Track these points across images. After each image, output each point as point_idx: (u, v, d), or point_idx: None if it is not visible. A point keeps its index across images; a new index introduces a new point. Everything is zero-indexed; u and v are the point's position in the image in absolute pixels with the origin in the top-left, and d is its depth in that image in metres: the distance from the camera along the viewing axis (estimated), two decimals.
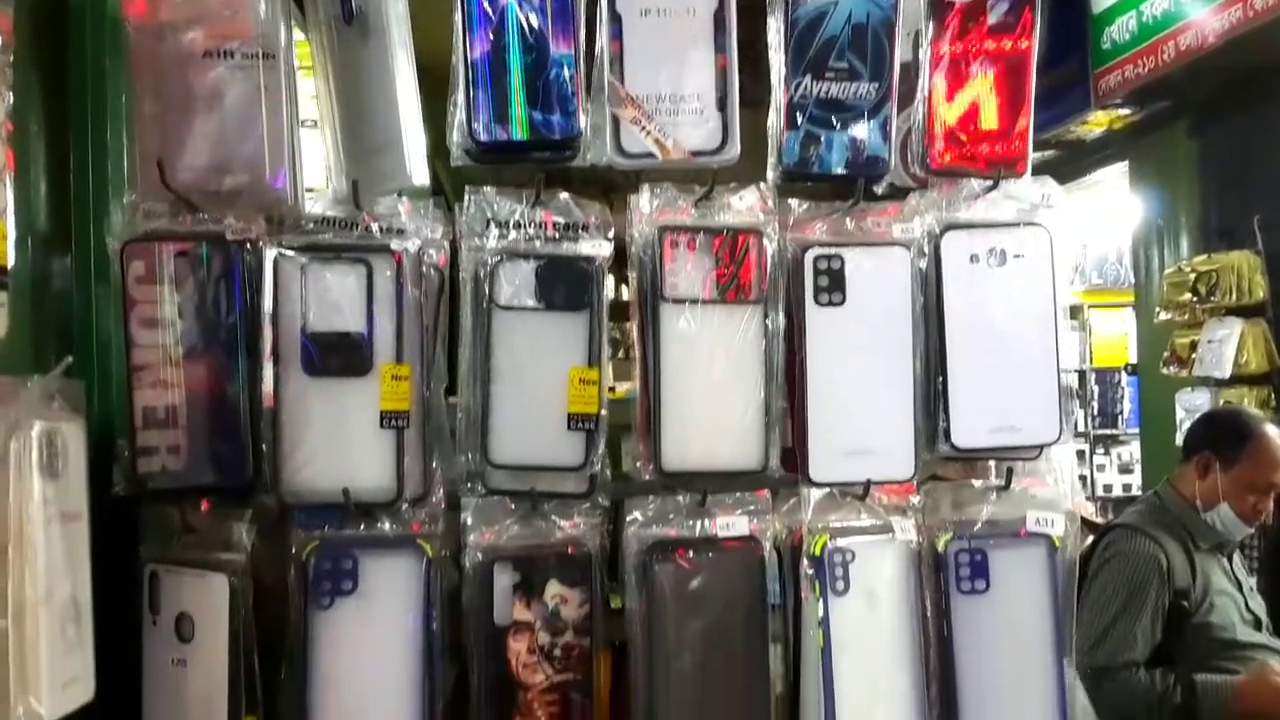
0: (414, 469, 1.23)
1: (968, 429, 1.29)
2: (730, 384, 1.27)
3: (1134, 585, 2.25)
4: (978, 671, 1.30)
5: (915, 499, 1.32)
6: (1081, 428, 6.10)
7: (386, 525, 1.25)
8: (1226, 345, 3.82)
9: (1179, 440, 3.18)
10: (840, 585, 1.26)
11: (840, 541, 1.27)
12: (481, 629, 1.25)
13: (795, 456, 1.29)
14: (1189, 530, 2.35)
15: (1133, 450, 5.86)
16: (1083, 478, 5.91)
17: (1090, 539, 2.85)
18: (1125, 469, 5.97)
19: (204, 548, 1.21)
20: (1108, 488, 6.03)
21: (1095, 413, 6.12)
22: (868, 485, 1.28)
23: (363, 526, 1.24)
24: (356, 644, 1.22)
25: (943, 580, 1.31)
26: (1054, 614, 1.30)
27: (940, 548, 1.31)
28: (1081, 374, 6.15)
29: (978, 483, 1.35)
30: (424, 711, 1.22)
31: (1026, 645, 1.31)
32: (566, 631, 1.26)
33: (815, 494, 1.29)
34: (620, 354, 3.68)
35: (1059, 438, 1.31)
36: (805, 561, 1.27)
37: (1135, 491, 4.99)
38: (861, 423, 1.29)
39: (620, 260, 1.30)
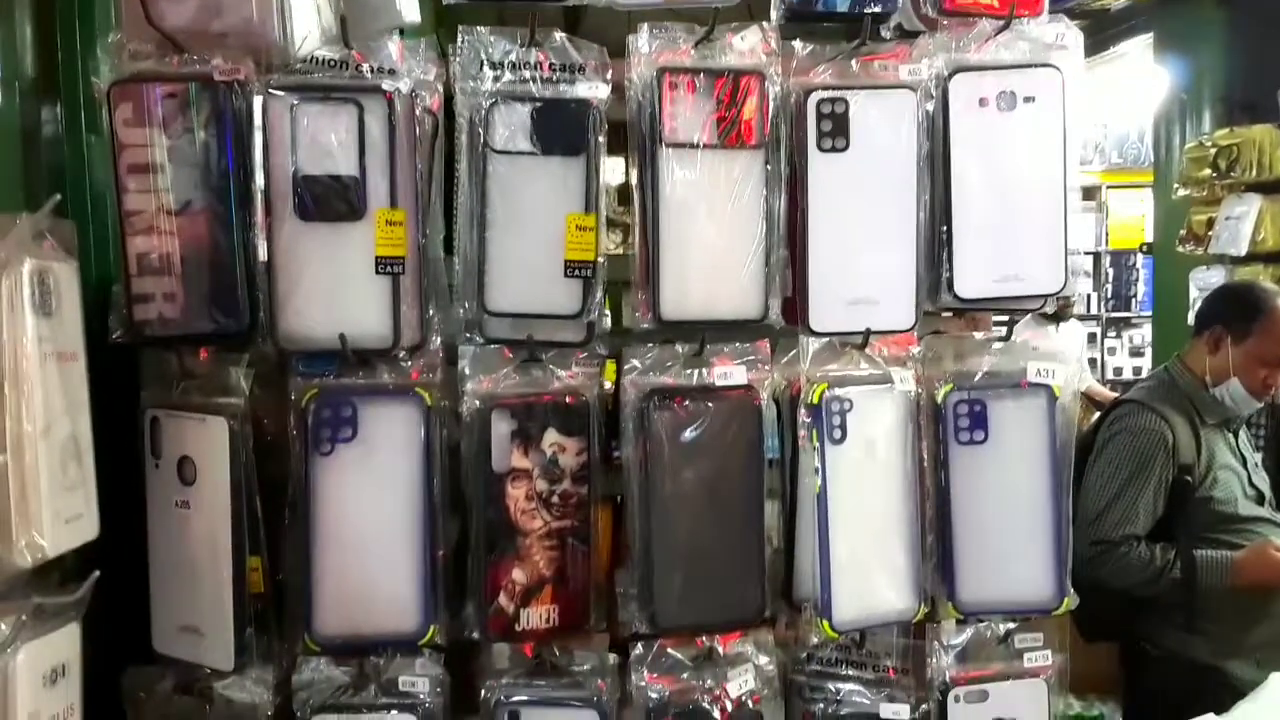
0: (410, 317, 1.22)
1: (971, 278, 1.28)
2: (730, 231, 1.25)
3: (1139, 460, 2.26)
4: (974, 522, 1.31)
5: (915, 350, 1.31)
6: (1094, 310, 6.06)
7: (385, 376, 1.26)
8: (1244, 222, 3.76)
9: (1191, 320, 3.16)
10: (838, 434, 1.26)
11: (839, 390, 1.26)
12: (480, 476, 1.26)
13: (795, 306, 1.28)
14: (1196, 406, 2.34)
15: (1144, 333, 5.82)
16: (1093, 360, 5.90)
17: (1096, 415, 2.86)
18: (1136, 352, 5.95)
19: (203, 393, 1.22)
20: (1118, 371, 6.02)
21: (1109, 295, 6.06)
22: (867, 334, 1.27)
23: (361, 376, 1.25)
24: (357, 490, 1.23)
25: (941, 431, 1.31)
26: (1052, 464, 1.31)
27: (939, 399, 1.30)
28: (1096, 256, 6.07)
29: (979, 334, 1.34)
30: (424, 556, 1.24)
31: (1024, 495, 1.31)
32: (564, 479, 1.27)
33: (814, 343, 1.28)
34: None
35: (1063, 288, 1.29)
36: (803, 410, 1.26)
37: (1145, 375, 4.98)
38: (863, 272, 1.27)
39: None
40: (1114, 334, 6.04)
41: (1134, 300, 6.06)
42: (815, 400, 1.25)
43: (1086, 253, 5.92)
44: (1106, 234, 6.06)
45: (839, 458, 1.26)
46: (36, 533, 1.01)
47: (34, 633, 1.05)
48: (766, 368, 1.29)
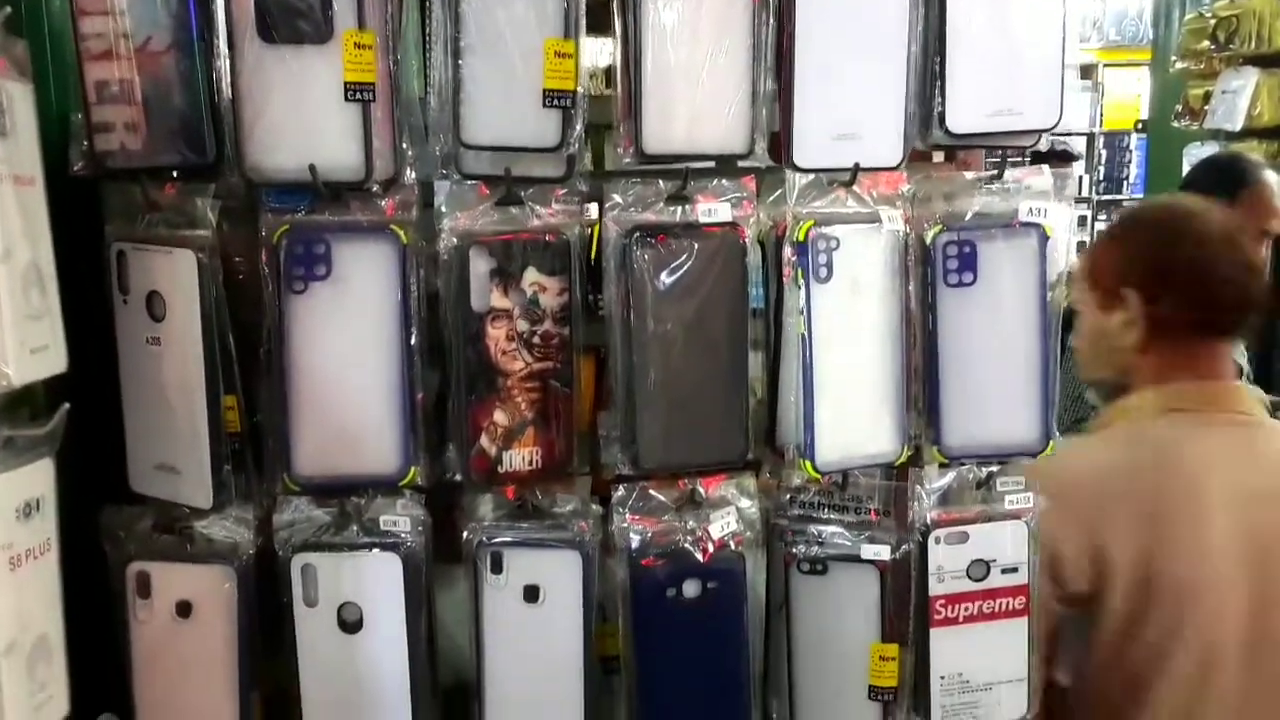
0: (383, 148, 1.18)
1: (963, 112, 1.24)
2: (716, 61, 1.20)
3: None
4: (960, 365, 1.30)
5: (905, 188, 1.28)
6: (1085, 192, 6.01)
7: (359, 216, 1.22)
8: (1240, 96, 3.70)
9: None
10: (823, 273, 1.24)
11: (825, 228, 1.23)
12: (459, 315, 1.23)
13: (782, 141, 1.24)
14: None
15: None
16: (1081, 244, 5.88)
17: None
18: None
19: (170, 226, 1.18)
20: None
21: (1100, 177, 6.01)
22: (855, 170, 1.24)
23: (333, 214, 1.21)
24: (333, 329, 1.21)
25: (929, 273, 1.28)
26: (1041, 305, 1.29)
27: (928, 240, 1.27)
28: (1090, 137, 5.99)
29: (970, 173, 1.30)
30: (403, 396, 1.22)
31: (1011, 337, 1.30)
32: (545, 320, 1.25)
33: (801, 180, 1.25)
34: None
35: (1058, 122, 1.25)
36: (788, 248, 1.24)
37: None
38: (851, 105, 1.23)
39: None
40: (1104, 216, 6.00)
41: (1126, 183, 6.01)
42: (801, 237, 1.23)
43: (1080, 133, 5.84)
44: (1101, 114, 5.98)
45: (824, 297, 1.24)
46: (1, 361, 0.98)
47: (5, 466, 1.03)
48: (752, 205, 1.25)
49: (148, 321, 1.18)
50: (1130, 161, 5.90)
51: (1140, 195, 5.51)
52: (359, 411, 1.22)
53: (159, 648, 1.24)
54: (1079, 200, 5.82)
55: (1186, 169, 3.71)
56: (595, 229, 1.28)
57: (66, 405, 1.06)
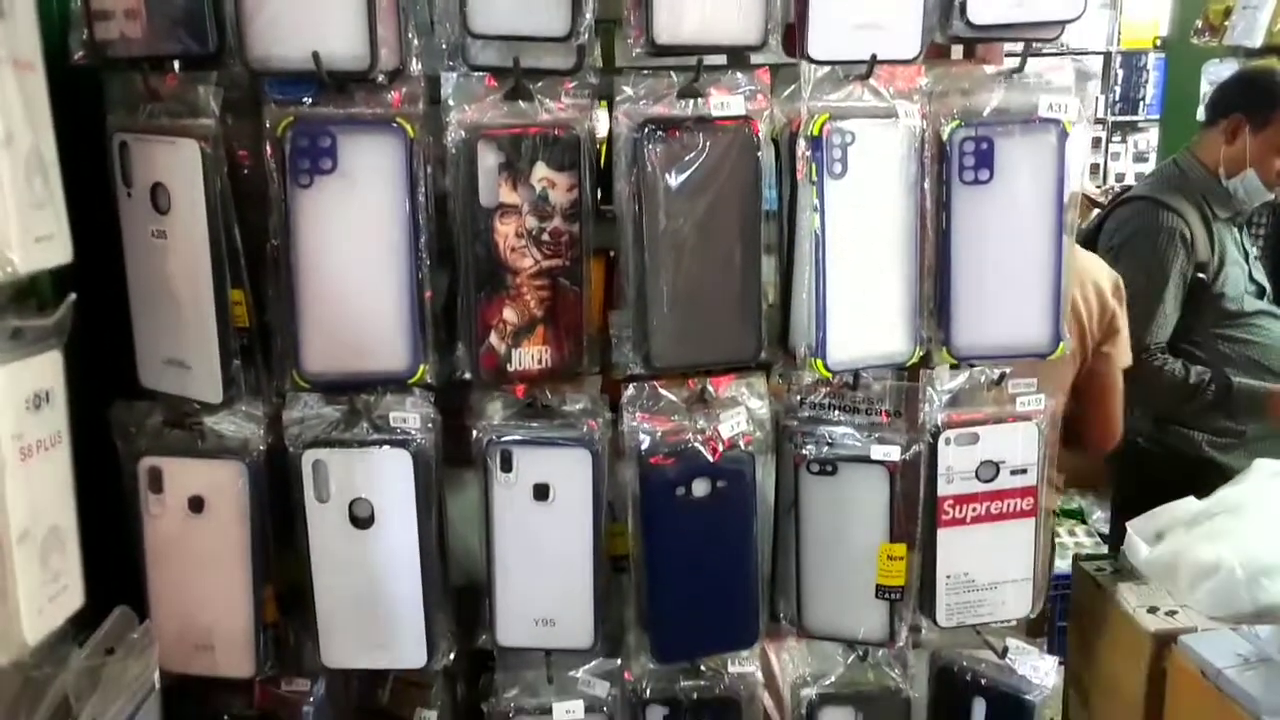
0: (388, 37, 1.15)
1: (985, 2, 1.20)
2: None
3: (1159, 262, 2.20)
4: (974, 265, 1.28)
5: (923, 82, 1.25)
6: (1100, 113, 5.91)
7: (365, 109, 1.20)
8: (1262, 11, 3.61)
9: (1200, 115, 3.05)
10: (838, 168, 1.22)
11: (841, 122, 1.21)
12: (467, 211, 1.21)
13: (796, 32, 1.21)
14: (1208, 199, 2.28)
15: (1150, 138, 5.71)
16: (1095, 166, 5.80)
17: (1096, 212, 2.79)
18: (1140, 157, 5.84)
19: (172, 115, 1.16)
20: (1120, 176, 5.92)
21: (1116, 98, 5.90)
22: (872, 62, 1.20)
23: (338, 106, 1.19)
24: (340, 224, 1.19)
25: (945, 170, 1.26)
26: (1057, 203, 1.26)
27: (945, 135, 1.25)
28: (1107, 56, 5.87)
29: (989, 68, 1.27)
30: (411, 293, 1.21)
31: (1026, 237, 1.28)
32: (554, 217, 1.23)
33: (816, 73, 1.22)
34: None
35: (1081, 13, 1.22)
36: (802, 142, 1.21)
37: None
38: None
39: None
40: (1119, 138, 5.91)
41: (1141, 104, 5.90)
42: (816, 131, 1.20)
43: (1096, 52, 5.72)
44: (1119, 32, 5.85)
45: (839, 193, 1.22)
46: (5, 247, 0.97)
47: (13, 356, 1.02)
48: (766, 100, 1.23)
49: (152, 214, 1.16)
50: (1148, 82, 5.79)
51: (1157, 116, 5.42)
52: (367, 308, 1.21)
53: (172, 542, 1.25)
54: (1094, 122, 5.72)
55: (1205, 86, 3.64)
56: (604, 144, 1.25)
57: (73, 295, 1.06)
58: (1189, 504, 2.06)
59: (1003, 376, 1.31)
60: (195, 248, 1.15)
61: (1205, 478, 2.07)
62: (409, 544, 1.24)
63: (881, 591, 1.33)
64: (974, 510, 1.33)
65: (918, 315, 1.29)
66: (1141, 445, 2.40)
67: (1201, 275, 2.23)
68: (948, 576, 1.34)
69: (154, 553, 1.25)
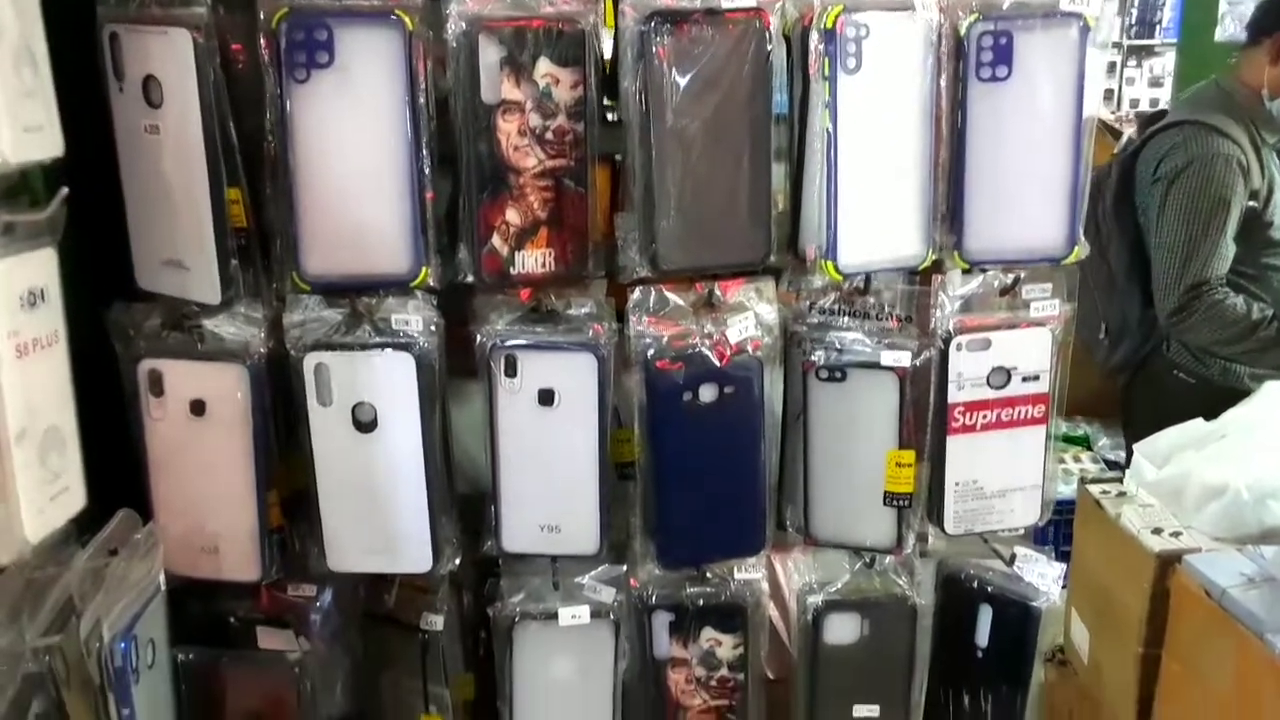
0: None
1: None
2: None
3: (1218, 191, 2.12)
4: (989, 166, 1.25)
5: None
6: (1116, 37, 5.77)
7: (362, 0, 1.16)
8: None
9: (1218, 38, 2.96)
10: (852, 63, 1.18)
11: (855, 14, 1.17)
12: (468, 108, 1.18)
13: None
14: (1255, 123, 2.20)
15: (1165, 63, 5.58)
16: (1109, 91, 5.68)
17: (1127, 136, 2.71)
18: (1155, 83, 5.71)
19: (163, 5, 1.12)
20: (1134, 102, 5.80)
21: (1133, 21, 5.76)
22: None
23: None
24: (337, 121, 1.16)
25: (962, 67, 1.22)
26: (1077, 101, 1.23)
27: (962, 30, 1.20)
28: None
29: None
30: (412, 193, 1.17)
31: (1044, 137, 1.24)
32: (559, 114, 1.19)
33: None
34: None
35: None
36: (815, 35, 1.17)
37: (1164, 105, 4.78)
38: None
39: None
40: (1134, 63, 5.78)
41: (1158, 27, 5.76)
42: (829, 24, 1.16)
43: None
44: None
45: (852, 89, 1.18)
46: None
47: (6, 251, 1.00)
48: None
49: (145, 109, 1.13)
50: (1164, 5, 5.65)
51: (1174, 41, 5.29)
52: (367, 208, 1.18)
53: (174, 446, 1.24)
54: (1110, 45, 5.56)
55: (1224, 6, 3.54)
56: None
57: (65, 189, 1.03)
58: (1198, 426, 2.04)
59: (1016, 281, 1.28)
60: (189, 142, 1.12)
61: (1224, 401, 2.04)
62: (413, 448, 1.23)
63: (889, 498, 1.32)
64: (984, 417, 1.31)
65: (931, 217, 1.26)
66: (1178, 377, 2.37)
67: (1253, 203, 2.16)
68: (956, 484, 1.33)
69: (156, 456, 1.25)
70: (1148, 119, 2.49)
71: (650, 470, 1.29)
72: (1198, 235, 2.11)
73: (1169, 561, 1.72)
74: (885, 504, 1.32)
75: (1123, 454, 2.98)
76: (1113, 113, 5.26)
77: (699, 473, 1.29)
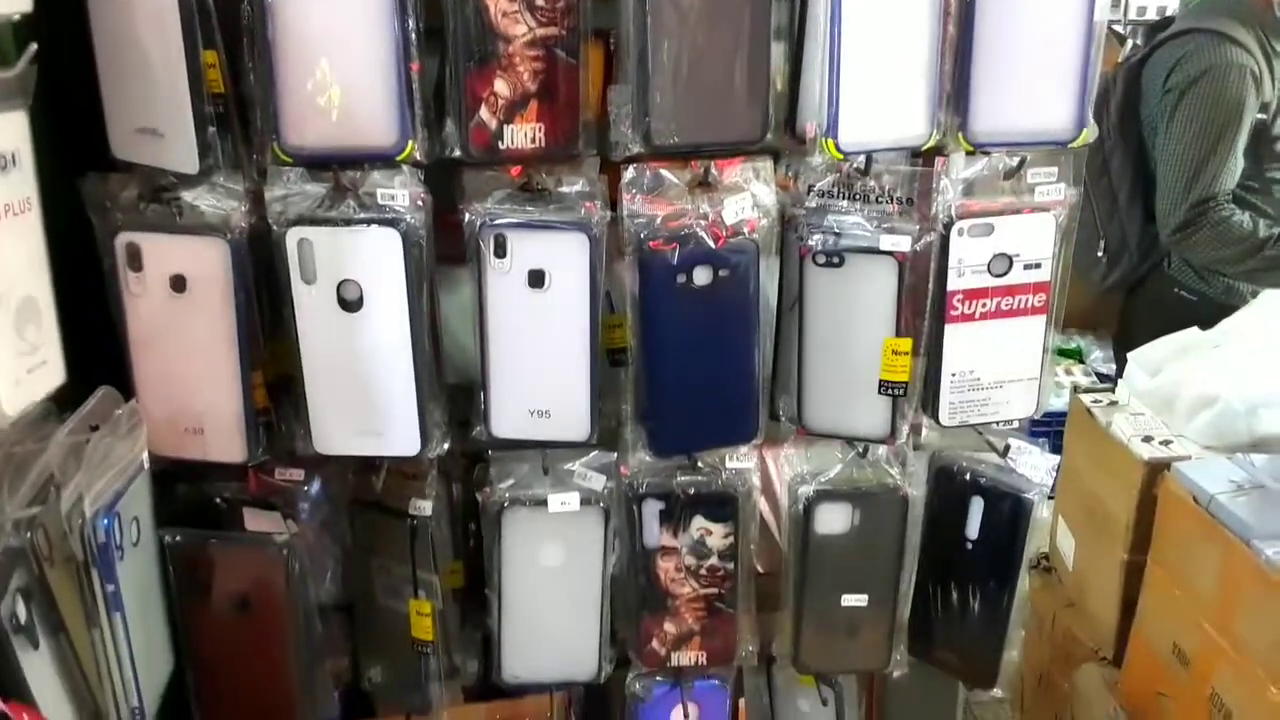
0: None
1: None
2: None
3: (1231, 103, 2.06)
4: (996, 42, 1.20)
5: None
6: None
7: None
8: None
9: None
10: None
11: None
12: None
13: None
14: (1265, 32, 2.13)
15: None
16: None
17: (1130, 46, 2.63)
18: None
19: None
20: (1141, 10, 5.68)
21: None
22: None
23: None
24: None
25: None
26: None
27: None
28: None
29: None
30: (396, 63, 1.12)
31: (1057, 13, 1.19)
32: None
33: None
34: None
35: None
36: None
37: (1171, 13, 4.67)
38: None
39: None
40: None
41: None
42: None
43: None
44: None
45: None
46: None
47: None
48: None
49: None
50: None
51: None
52: (350, 77, 1.13)
53: (155, 323, 1.21)
54: None
55: None
56: None
57: (34, 45, 0.98)
58: (1192, 335, 2.03)
59: (1022, 164, 1.24)
60: (163, 1, 1.07)
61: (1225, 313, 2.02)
62: (399, 328, 1.20)
63: (884, 387, 1.29)
64: (984, 306, 1.28)
65: (936, 97, 1.21)
66: (1179, 295, 2.34)
67: (1262, 116, 2.12)
68: (953, 374, 1.31)
69: (137, 334, 1.22)
70: (1155, 26, 2.43)
71: (642, 355, 1.26)
72: (1207, 149, 2.07)
73: (1158, 469, 1.72)
74: (880, 393, 1.30)
75: (1115, 367, 2.97)
76: (1116, 22, 5.14)
77: (692, 358, 1.26)
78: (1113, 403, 1.97)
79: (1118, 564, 1.85)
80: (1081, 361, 3.86)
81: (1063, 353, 3.84)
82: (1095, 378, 3.61)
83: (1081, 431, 2.02)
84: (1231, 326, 2.03)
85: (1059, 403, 2.18)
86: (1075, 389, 2.14)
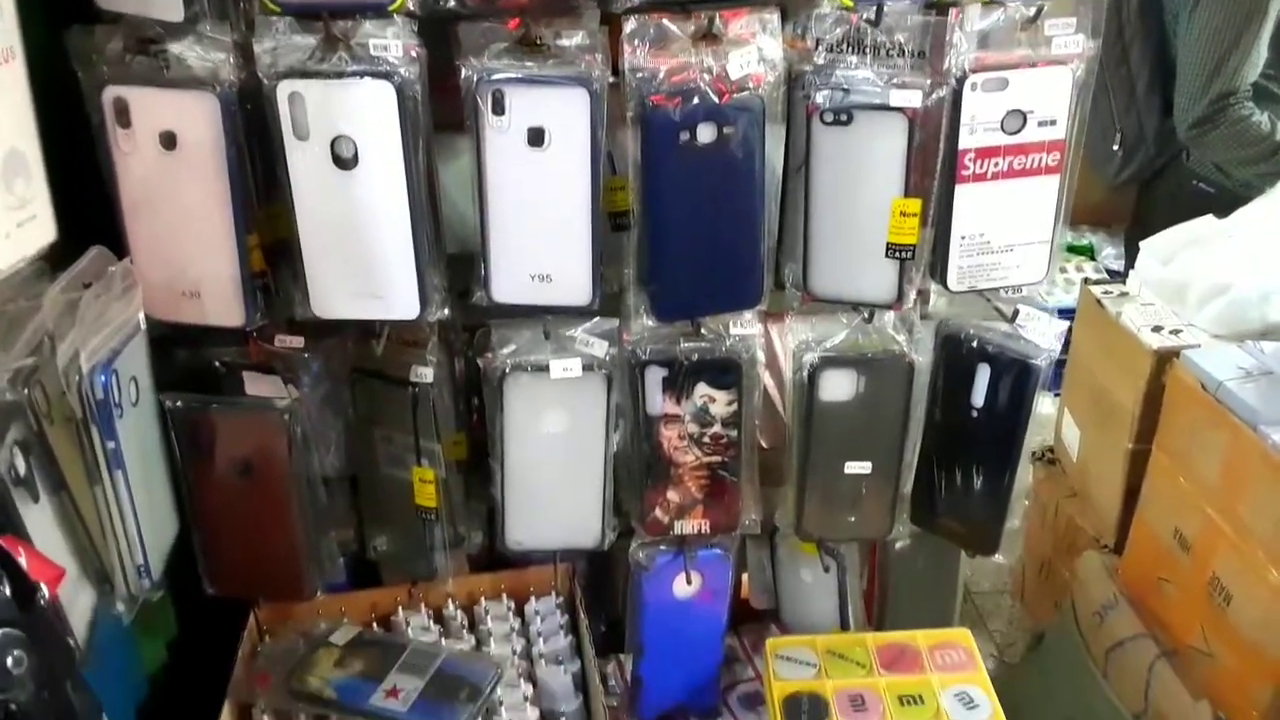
0: None
1: None
2: None
3: None
4: None
5: None
6: None
7: None
8: None
9: None
10: None
11: None
12: None
13: None
14: None
15: None
16: None
17: None
18: None
19: None
20: None
21: None
22: None
23: None
24: None
25: None
26: None
27: None
28: None
29: None
30: None
31: None
32: None
33: None
34: None
35: None
36: None
37: None
38: None
39: None
40: None
41: None
42: None
43: None
44: None
45: None
46: None
47: None
48: None
49: None
50: None
51: None
52: None
53: (146, 182, 1.18)
54: None
55: None
56: None
57: None
58: (1207, 223, 1.99)
59: (1039, 12, 1.19)
60: None
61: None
62: (396, 186, 1.17)
63: (892, 250, 1.27)
64: (996, 165, 1.25)
65: None
66: (1198, 187, 2.30)
67: None
68: (962, 237, 1.28)
69: (129, 194, 1.19)
70: None
71: (644, 217, 1.23)
72: (1230, 40, 2.01)
73: (1166, 358, 1.71)
74: (887, 256, 1.27)
75: (1126, 265, 2.94)
76: None
77: (695, 219, 1.23)
78: (1123, 294, 1.95)
79: (1122, 453, 1.85)
80: (1092, 258, 3.82)
81: (1074, 249, 3.80)
82: (1106, 275, 3.58)
83: (1091, 323, 2.00)
84: (1246, 216, 1.99)
85: (1069, 299, 2.16)
86: (1086, 281, 2.11)
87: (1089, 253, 3.80)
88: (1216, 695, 1.52)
